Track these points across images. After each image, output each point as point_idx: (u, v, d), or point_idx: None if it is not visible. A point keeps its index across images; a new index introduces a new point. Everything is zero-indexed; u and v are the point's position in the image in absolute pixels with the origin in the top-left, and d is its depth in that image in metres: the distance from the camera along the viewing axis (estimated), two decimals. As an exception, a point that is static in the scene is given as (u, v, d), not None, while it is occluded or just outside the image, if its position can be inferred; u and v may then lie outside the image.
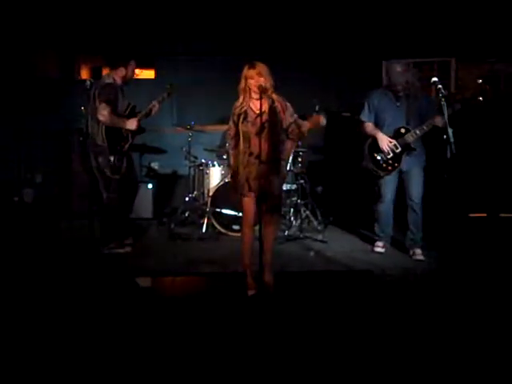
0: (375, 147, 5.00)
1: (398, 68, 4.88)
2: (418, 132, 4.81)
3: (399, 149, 4.90)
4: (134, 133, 5.08)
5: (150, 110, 5.17)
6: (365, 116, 5.09)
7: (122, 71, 5.04)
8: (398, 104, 4.93)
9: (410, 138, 4.85)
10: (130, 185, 5.17)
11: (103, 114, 4.79)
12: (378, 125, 5.02)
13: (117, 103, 4.92)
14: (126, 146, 5.01)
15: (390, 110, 4.96)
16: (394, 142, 4.90)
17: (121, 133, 4.97)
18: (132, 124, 4.98)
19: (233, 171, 3.99)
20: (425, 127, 4.78)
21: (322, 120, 4.97)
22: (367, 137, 5.11)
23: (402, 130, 4.89)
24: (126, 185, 5.06)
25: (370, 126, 5.07)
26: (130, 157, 5.18)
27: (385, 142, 4.92)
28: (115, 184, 4.98)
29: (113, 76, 5.04)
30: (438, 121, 4.62)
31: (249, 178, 3.84)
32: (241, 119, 3.84)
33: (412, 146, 4.87)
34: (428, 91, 5.71)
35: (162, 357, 2.93)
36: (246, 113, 3.83)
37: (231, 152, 4.02)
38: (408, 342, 3.13)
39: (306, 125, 4.13)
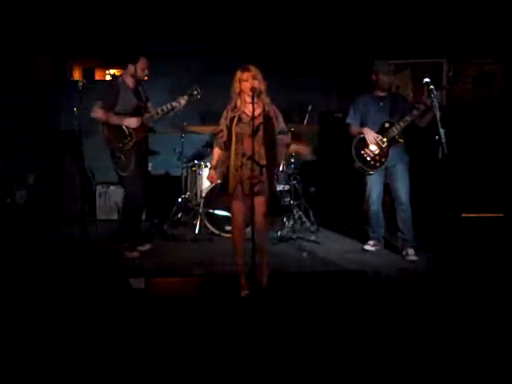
0: (362, 146, 5.06)
1: (381, 74, 5.05)
2: (401, 123, 4.88)
3: (385, 143, 4.95)
4: (141, 131, 4.99)
5: (172, 107, 5.04)
6: (350, 118, 5.19)
7: (130, 69, 4.99)
8: (382, 104, 5.05)
9: (394, 130, 4.92)
10: (144, 184, 5.13)
11: (93, 109, 4.83)
12: (364, 126, 5.09)
13: (115, 101, 4.88)
14: (131, 143, 4.92)
15: (373, 110, 5.06)
16: (380, 136, 4.97)
17: (122, 130, 4.91)
18: (130, 121, 4.90)
19: (222, 174, 3.96)
20: (408, 118, 4.85)
21: (307, 154, 4.99)
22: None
23: (386, 125, 4.97)
24: (141, 183, 5.05)
25: (354, 128, 5.14)
26: (142, 156, 5.14)
27: (371, 135, 4.99)
28: (127, 181, 5.01)
29: (122, 76, 5.05)
30: (421, 106, 4.72)
31: (242, 180, 3.83)
32: (234, 121, 3.84)
33: (397, 138, 4.94)
34: (420, 92, 5.76)
35: (155, 358, 2.93)
36: (239, 117, 3.84)
37: (215, 154, 4.02)
38: (402, 342, 3.14)
39: (293, 147, 4.08)
